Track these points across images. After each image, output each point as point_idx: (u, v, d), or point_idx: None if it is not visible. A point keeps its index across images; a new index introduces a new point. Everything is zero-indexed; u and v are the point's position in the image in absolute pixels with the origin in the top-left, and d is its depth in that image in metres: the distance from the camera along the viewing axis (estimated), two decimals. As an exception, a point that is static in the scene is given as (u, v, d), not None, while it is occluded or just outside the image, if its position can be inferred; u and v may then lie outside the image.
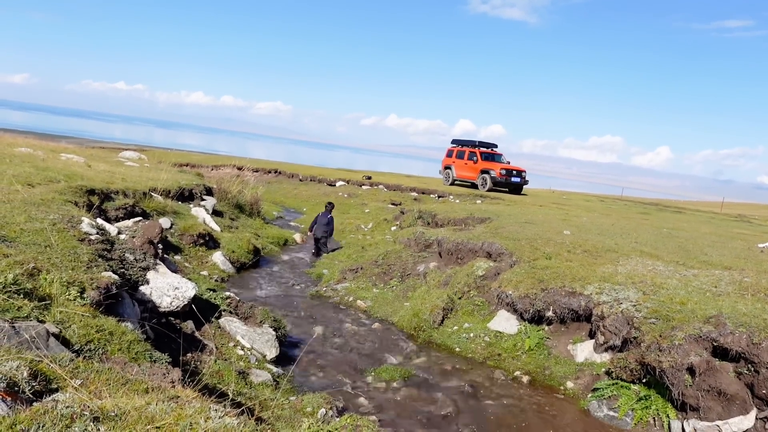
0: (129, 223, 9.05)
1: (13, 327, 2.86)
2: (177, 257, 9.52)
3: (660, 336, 5.84)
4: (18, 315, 3.28)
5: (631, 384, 6.01)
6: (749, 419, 5.16)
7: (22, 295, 3.54)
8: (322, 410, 4.65)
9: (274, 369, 6.06)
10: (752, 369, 5.23)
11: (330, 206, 13.41)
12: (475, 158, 25.59)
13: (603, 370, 6.47)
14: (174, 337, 5.24)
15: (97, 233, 5.93)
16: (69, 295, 3.93)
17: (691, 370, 5.43)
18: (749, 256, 9.57)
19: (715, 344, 5.49)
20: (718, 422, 5.21)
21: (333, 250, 12.87)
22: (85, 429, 2.08)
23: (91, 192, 8.92)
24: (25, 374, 2.38)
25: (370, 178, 26.20)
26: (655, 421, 5.62)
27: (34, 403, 2.25)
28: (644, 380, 5.94)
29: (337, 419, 4.35)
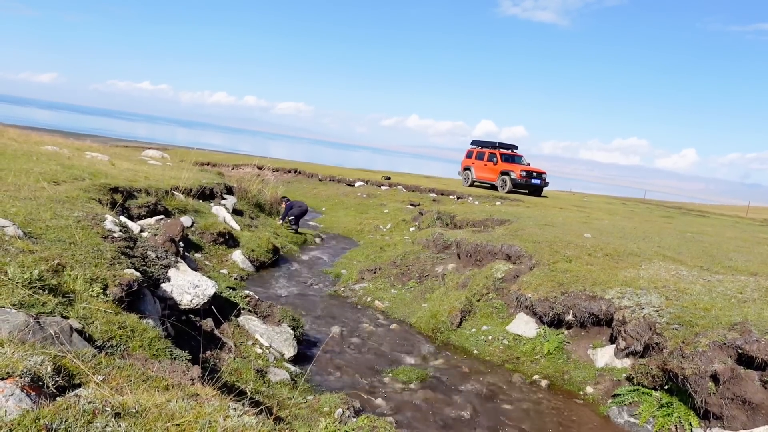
0: (151, 221, 9.18)
1: (38, 322, 2.91)
2: (197, 255, 9.63)
3: (683, 342, 5.73)
4: (43, 310, 3.35)
5: (653, 390, 5.91)
6: (775, 429, 5.04)
7: (46, 291, 3.61)
8: (339, 410, 4.66)
9: (292, 368, 6.09)
10: (779, 378, 5.11)
11: None
12: (495, 159, 25.44)
13: (624, 375, 6.37)
14: (194, 334, 5.30)
15: (120, 231, 6.03)
16: (92, 291, 4.00)
17: (714, 378, 5.31)
18: (776, 262, 9.34)
19: (740, 352, 5.37)
20: (742, 431, 5.09)
21: None
22: (107, 425, 2.11)
23: (115, 190, 9.07)
24: (49, 369, 2.42)
25: (389, 178, 26.17)
26: (677, 428, 5.51)
27: (57, 398, 2.29)
28: (666, 387, 5.83)
29: (354, 420, 4.35)
